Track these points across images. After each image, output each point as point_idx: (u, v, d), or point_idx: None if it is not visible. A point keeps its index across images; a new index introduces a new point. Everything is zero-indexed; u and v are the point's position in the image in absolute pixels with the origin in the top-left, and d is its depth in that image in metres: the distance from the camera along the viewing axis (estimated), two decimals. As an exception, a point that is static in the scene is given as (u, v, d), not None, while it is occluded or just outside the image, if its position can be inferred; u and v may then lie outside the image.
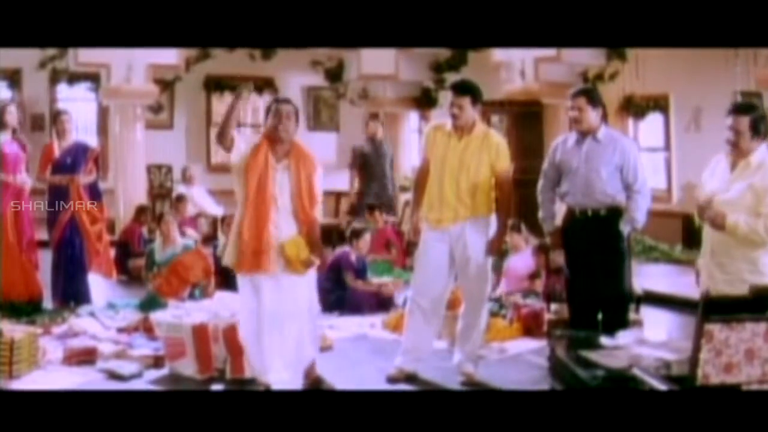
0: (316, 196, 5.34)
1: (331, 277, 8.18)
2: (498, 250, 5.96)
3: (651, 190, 5.82)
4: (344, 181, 12.18)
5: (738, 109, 4.75)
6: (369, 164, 11.47)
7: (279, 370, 5.23)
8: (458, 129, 5.69)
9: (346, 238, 8.78)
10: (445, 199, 5.67)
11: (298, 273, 5.27)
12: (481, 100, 5.74)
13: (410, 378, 5.78)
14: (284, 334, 5.23)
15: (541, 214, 5.89)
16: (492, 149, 5.69)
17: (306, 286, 5.38)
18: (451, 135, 5.71)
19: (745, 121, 4.65)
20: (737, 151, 4.71)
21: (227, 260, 5.39)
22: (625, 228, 5.55)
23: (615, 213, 5.56)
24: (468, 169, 5.64)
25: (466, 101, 5.65)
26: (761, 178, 4.62)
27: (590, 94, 5.68)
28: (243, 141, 5.29)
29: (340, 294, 8.14)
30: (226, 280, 8.00)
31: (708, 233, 4.82)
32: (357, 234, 8.54)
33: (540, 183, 5.91)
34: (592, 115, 5.59)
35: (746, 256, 4.65)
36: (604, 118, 5.75)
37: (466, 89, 5.72)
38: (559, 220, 5.85)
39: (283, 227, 5.24)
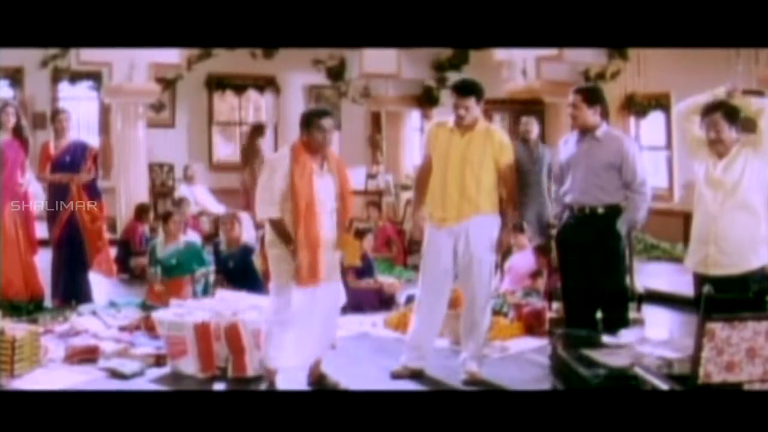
0: (353, 197, 5.55)
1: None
2: (505, 246, 5.98)
3: (652, 190, 5.80)
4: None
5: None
6: (520, 171, 9.40)
7: (290, 356, 5.29)
8: (460, 126, 5.69)
9: None
10: (449, 196, 5.66)
11: None
12: (483, 97, 5.73)
13: (415, 375, 5.78)
14: (308, 330, 5.29)
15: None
16: (495, 144, 5.69)
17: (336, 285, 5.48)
18: (453, 131, 5.71)
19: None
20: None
21: (282, 278, 5.30)
22: (622, 228, 5.53)
23: (613, 211, 5.54)
24: (471, 165, 5.63)
25: (471, 102, 5.64)
26: None
27: (586, 93, 5.66)
28: (280, 166, 5.24)
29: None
30: (227, 279, 8.01)
31: (707, 225, 4.92)
32: (361, 234, 8.54)
33: (553, 185, 5.96)
34: (588, 113, 5.58)
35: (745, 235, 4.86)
36: (605, 116, 5.75)
37: (469, 90, 5.69)
38: None
39: (328, 231, 5.32)
